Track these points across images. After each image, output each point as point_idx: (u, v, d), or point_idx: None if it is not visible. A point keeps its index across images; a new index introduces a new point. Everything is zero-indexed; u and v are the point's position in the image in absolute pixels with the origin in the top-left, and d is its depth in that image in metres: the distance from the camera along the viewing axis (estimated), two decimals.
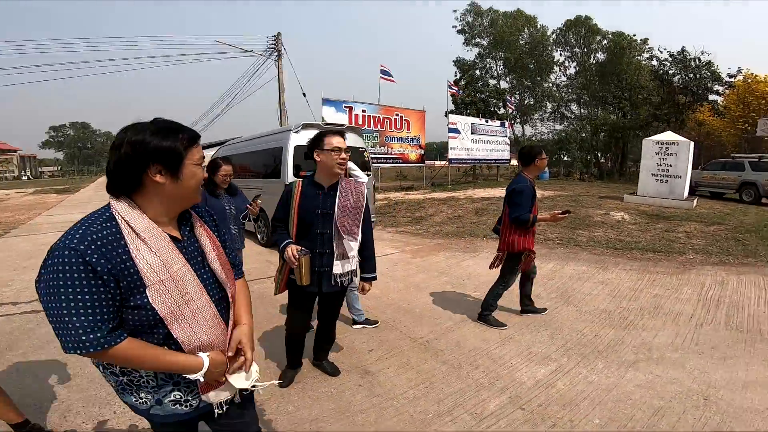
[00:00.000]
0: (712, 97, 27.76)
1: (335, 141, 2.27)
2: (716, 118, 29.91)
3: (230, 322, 1.27)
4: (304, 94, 16.48)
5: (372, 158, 15.43)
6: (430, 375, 2.86)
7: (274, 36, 16.96)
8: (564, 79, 31.82)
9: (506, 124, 21.22)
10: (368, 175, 6.80)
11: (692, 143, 12.05)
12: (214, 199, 3.30)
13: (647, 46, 28.41)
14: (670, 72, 26.85)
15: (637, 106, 27.21)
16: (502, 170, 23.42)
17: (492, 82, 31.93)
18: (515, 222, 3.43)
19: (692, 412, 2.40)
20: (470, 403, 2.52)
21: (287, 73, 17.35)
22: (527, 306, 3.93)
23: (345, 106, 14.75)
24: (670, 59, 26.94)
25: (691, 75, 25.93)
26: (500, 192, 14.87)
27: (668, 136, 12.06)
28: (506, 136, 21.01)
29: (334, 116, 14.28)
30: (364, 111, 15.18)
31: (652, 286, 4.73)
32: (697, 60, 25.63)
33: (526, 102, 32.60)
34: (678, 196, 11.26)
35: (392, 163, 16.27)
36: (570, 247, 6.70)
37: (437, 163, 26.62)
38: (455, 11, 32.91)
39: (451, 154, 17.94)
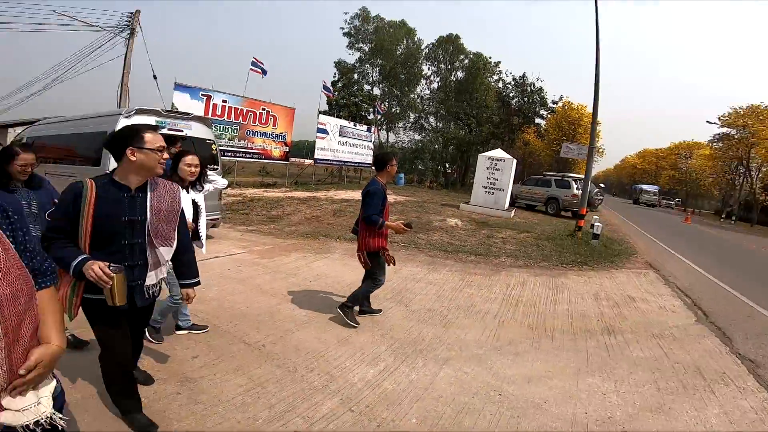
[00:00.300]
0: (538, 120, 32.69)
1: (160, 140, 2.01)
2: (538, 140, 36.45)
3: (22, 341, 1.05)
4: (154, 77, 14.60)
5: (228, 151, 14.50)
6: (262, 380, 2.79)
7: (131, 13, 14.71)
8: (428, 92, 34.80)
9: (373, 129, 22.18)
10: (215, 169, 6.36)
11: (515, 161, 14.42)
12: (9, 194, 2.67)
13: (498, 69, 32.51)
14: (511, 95, 30.84)
15: (482, 124, 30.88)
16: (367, 173, 24.45)
17: (367, 87, 33.20)
18: (366, 221, 3.66)
19: (490, 408, 2.68)
20: (303, 406, 2.53)
21: (141, 56, 15.13)
22: (364, 306, 4.16)
23: (202, 94, 13.49)
24: (512, 83, 30.92)
25: (526, 99, 30.14)
26: (360, 194, 15.45)
27: (497, 153, 14.22)
28: (371, 141, 21.95)
29: (187, 104, 12.93)
30: (225, 101, 14.10)
31: (469, 286, 5.50)
32: (532, 86, 29.90)
33: (393, 110, 34.66)
34: (501, 206, 13.39)
35: (252, 158, 15.50)
36: (410, 249, 7.35)
37: (306, 161, 26.29)
38: (346, 13, 33.31)
39: (318, 154, 17.96)
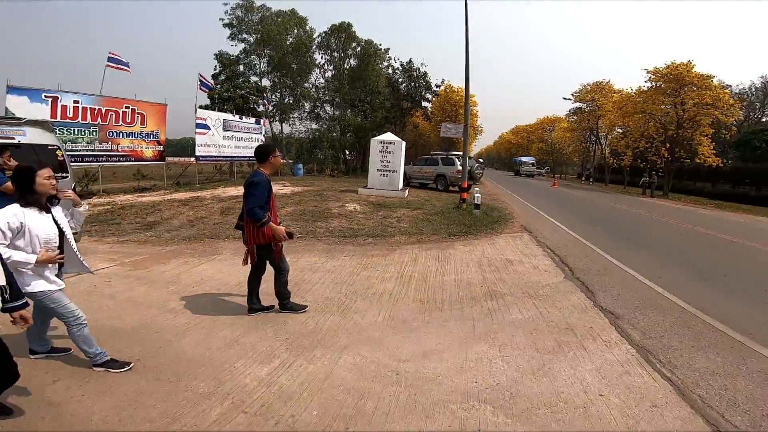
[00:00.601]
0: (425, 104, 33.78)
1: None
2: (426, 122, 38.36)
3: None
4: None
5: (88, 156, 12.61)
6: (138, 395, 2.54)
7: None
8: (323, 81, 34.07)
9: (262, 121, 21.10)
10: (65, 177, 5.50)
11: (404, 143, 14.99)
12: None
13: (388, 56, 33.01)
14: (400, 80, 31.54)
15: (375, 110, 31.38)
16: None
17: (255, 79, 31.37)
18: (249, 214, 3.52)
19: (389, 390, 2.71)
20: (189, 415, 2.36)
21: None
22: (254, 304, 3.96)
23: (46, 96, 11.45)
24: (401, 69, 31.61)
25: (413, 84, 31.11)
26: None
27: (388, 136, 14.65)
28: (261, 133, 20.89)
29: (26, 108, 10.96)
30: (77, 102, 12.15)
31: (366, 269, 5.59)
32: (417, 71, 30.86)
33: (286, 101, 33.37)
34: (395, 187, 13.91)
35: (118, 161, 13.70)
36: (308, 240, 7.21)
37: (177, 159, 24.00)
38: (226, 4, 30.56)
39: (199, 151, 16.53)
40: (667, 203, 20.29)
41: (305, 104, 34.22)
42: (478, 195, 10.06)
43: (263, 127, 20.93)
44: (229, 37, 30.67)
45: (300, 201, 11.61)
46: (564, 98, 37.12)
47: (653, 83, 25.35)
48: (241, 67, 31.13)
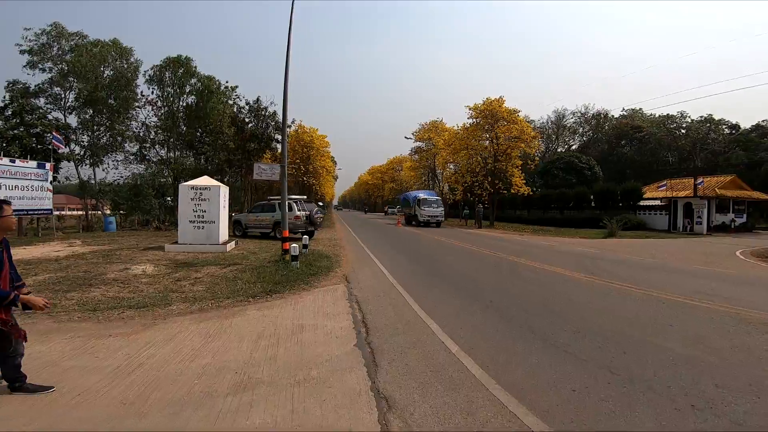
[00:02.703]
0: (274, 144, 31.86)
1: None
2: (276, 163, 36.75)
3: None
4: None
5: None
6: None
7: None
8: (155, 119, 29.48)
9: (48, 165, 16.65)
10: None
11: (225, 188, 13.15)
12: None
13: (235, 94, 30.67)
14: (246, 120, 29.64)
15: (217, 151, 28.66)
16: (45, 223, 18.42)
17: (58, 115, 25.64)
18: None
19: None
20: None
21: None
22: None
23: None
24: (247, 107, 29.85)
25: (261, 123, 29.49)
26: (33, 252, 11.09)
27: (202, 180, 12.62)
28: (46, 179, 16.45)
29: None
30: None
31: (82, 355, 4.00)
32: (265, 110, 29.38)
33: (101, 141, 28.00)
34: (214, 240, 11.82)
35: None
36: (34, 317, 5.05)
37: None
38: (28, 29, 24.46)
39: None
40: (491, 233, 22.56)
41: (129, 145, 29.43)
42: (295, 246, 8.91)
43: (49, 173, 16.53)
44: (26, 65, 24.91)
45: (69, 265, 8.92)
46: (406, 137, 40.17)
47: (474, 119, 28.62)
48: (42, 101, 25.51)
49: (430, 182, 44.13)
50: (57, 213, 28.16)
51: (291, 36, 10.45)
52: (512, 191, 28.34)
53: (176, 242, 11.94)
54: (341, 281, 7.85)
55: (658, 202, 26.56)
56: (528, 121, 31.66)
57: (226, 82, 30.60)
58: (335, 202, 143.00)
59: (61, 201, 41.36)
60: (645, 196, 27.28)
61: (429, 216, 27.19)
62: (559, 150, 52.96)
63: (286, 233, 9.69)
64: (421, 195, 30.15)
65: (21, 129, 22.98)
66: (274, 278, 7.64)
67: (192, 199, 11.85)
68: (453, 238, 18.47)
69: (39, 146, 23.30)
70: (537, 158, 36.35)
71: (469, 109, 28.57)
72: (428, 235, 20.01)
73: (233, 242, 13.16)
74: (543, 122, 53.82)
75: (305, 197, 19.00)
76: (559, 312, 5.69)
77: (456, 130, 32.06)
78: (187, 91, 29.85)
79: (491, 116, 27.35)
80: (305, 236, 11.37)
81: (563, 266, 9.83)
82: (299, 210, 16.19)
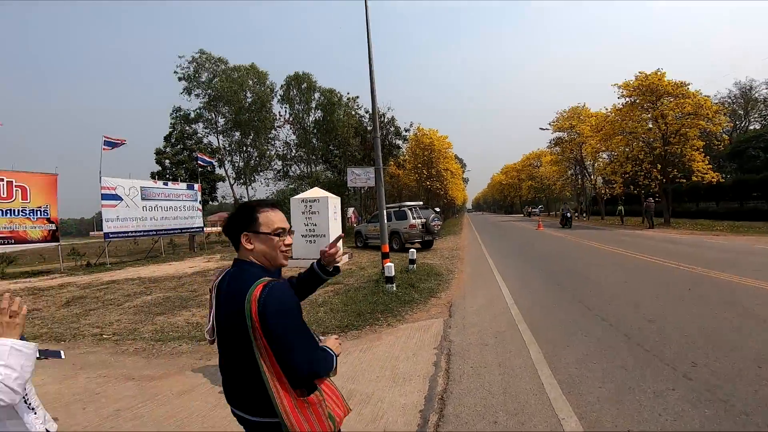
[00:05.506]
0: (396, 151, 32.32)
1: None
2: (400, 170, 36.54)
3: None
4: None
5: None
6: None
7: None
8: (294, 137, 32.25)
9: (196, 186, 18.99)
10: None
11: (336, 198, 12.57)
12: None
13: (356, 104, 30.96)
14: (368, 129, 29.54)
15: (347, 162, 29.18)
16: (199, 239, 20.86)
17: (212, 139, 29.77)
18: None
19: None
20: None
21: None
22: None
23: None
24: (367, 116, 29.86)
25: (383, 131, 28.99)
26: (169, 269, 12.35)
27: (312, 192, 12.22)
28: (196, 200, 18.72)
29: None
30: None
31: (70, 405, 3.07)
32: (383, 117, 28.91)
33: (253, 161, 31.60)
34: None
35: None
36: (122, 343, 4.86)
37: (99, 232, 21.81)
38: (181, 57, 29.12)
39: (109, 227, 14.23)
40: (669, 233, 17.35)
41: (277, 163, 32.47)
42: (390, 265, 7.46)
43: (198, 193, 18.77)
44: (183, 92, 28.69)
45: (184, 284, 9.32)
46: (541, 128, 35.51)
47: (626, 98, 23.54)
48: (201, 125, 29.62)
49: (578, 176, 38.21)
50: (216, 229, 32.85)
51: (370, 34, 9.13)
52: (694, 178, 22.04)
53: (291, 257, 11.78)
54: (441, 313, 6.08)
55: None
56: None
57: (347, 93, 31.40)
58: (468, 205, 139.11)
59: (221, 218, 48.79)
60: None
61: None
62: (751, 128, 40.92)
63: (386, 248, 8.33)
64: None
65: (184, 154, 26.88)
66: (360, 306, 6.33)
67: (303, 213, 11.57)
68: (616, 244, 14.07)
69: (201, 170, 27.11)
70: (726, 136, 28.00)
71: (619, 87, 23.48)
72: (580, 240, 16.22)
73: (346, 255, 12.54)
74: (722, 97, 42.21)
75: (421, 203, 17.53)
76: None
77: (605, 113, 26.76)
78: (313, 106, 31.56)
79: (650, 92, 21.90)
80: (412, 251, 9.89)
81: None
82: (414, 218, 14.83)
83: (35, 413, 1.36)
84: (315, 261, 1.87)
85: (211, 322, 2.64)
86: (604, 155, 31.70)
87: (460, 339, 4.82)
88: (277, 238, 1.49)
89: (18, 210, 11.86)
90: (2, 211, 11.51)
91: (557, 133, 35.62)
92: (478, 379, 3.71)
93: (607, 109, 26.46)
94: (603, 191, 31.83)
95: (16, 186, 11.77)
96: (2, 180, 11.51)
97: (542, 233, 21.24)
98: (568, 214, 24.97)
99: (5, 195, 11.56)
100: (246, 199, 31.69)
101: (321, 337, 1.64)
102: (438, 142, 33.14)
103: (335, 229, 12.02)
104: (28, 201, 12.06)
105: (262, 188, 33.44)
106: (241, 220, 1.51)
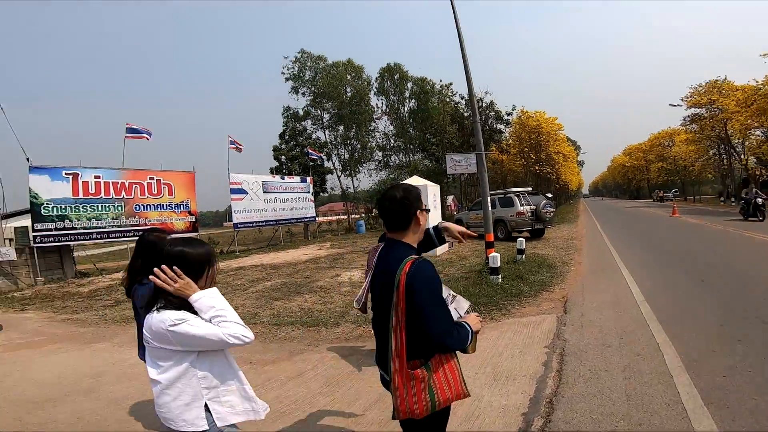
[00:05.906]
0: (497, 136, 30.98)
1: None
2: (504, 155, 34.55)
3: None
4: (27, 159, 13.16)
5: (116, 232, 12.74)
6: None
7: None
8: (392, 128, 32.92)
9: (308, 179, 20.43)
10: None
11: (435, 186, 12.31)
12: None
13: (451, 91, 30.34)
14: (465, 114, 28.78)
15: (445, 150, 28.86)
16: (312, 228, 22.39)
17: (320, 134, 31.49)
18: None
19: None
20: None
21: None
22: None
23: (66, 173, 11.97)
24: (464, 102, 28.95)
25: (482, 116, 27.67)
26: (286, 256, 13.52)
27: (411, 181, 12.12)
28: (309, 192, 20.17)
29: (47, 187, 11.46)
30: (98, 177, 12.55)
31: None
32: (481, 102, 27.79)
33: (355, 154, 32.91)
34: None
35: None
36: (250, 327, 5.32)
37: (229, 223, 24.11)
38: (286, 57, 30.54)
39: (237, 218, 16.15)
40: None
41: (374, 154, 33.29)
42: (495, 255, 6.94)
43: (310, 185, 20.14)
44: (290, 91, 30.34)
45: (299, 270, 10.06)
46: (671, 105, 30.36)
47: None
48: (309, 122, 31.58)
49: (724, 156, 32.02)
50: (326, 219, 35.07)
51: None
52: None
53: None
54: (554, 309, 5.45)
55: None
56: None
57: (440, 80, 30.64)
58: (584, 190, 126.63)
59: (335, 208, 51.75)
60: None
61: None
62: None
63: (490, 237, 7.80)
64: None
65: (297, 150, 28.89)
66: (466, 296, 6.03)
67: None
68: None
69: (312, 164, 28.88)
70: None
71: None
72: (726, 229, 13.48)
73: (446, 245, 12.23)
74: None
75: (530, 189, 16.28)
76: None
77: (754, 85, 22.04)
78: (407, 96, 31.41)
79: None
80: (520, 240, 9.18)
81: None
82: (522, 205, 13.83)
83: None
84: (433, 226, 2.03)
85: (362, 293, 2.92)
86: (758, 132, 26.39)
87: (576, 338, 4.24)
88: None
89: (165, 204, 14.05)
90: (153, 205, 13.74)
91: (693, 109, 30.30)
92: (597, 384, 3.21)
93: (757, 81, 21.75)
94: (757, 172, 26.32)
95: (163, 183, 13.95)
96: (153, 179, 13.73)
97: (677, 220, 18.18)
98: (759, 200, 15.13)
99: (156, 192, 13.77)
100: (352, 190, 33.28)
101: (463, 314, 1.76)
102: (546, 124, 30.58)
103: (435, 216, 11.79)
104: (173, 196, 14.21)
105: (365, 179, 34.56)
106: (418, 199, 1.68)
